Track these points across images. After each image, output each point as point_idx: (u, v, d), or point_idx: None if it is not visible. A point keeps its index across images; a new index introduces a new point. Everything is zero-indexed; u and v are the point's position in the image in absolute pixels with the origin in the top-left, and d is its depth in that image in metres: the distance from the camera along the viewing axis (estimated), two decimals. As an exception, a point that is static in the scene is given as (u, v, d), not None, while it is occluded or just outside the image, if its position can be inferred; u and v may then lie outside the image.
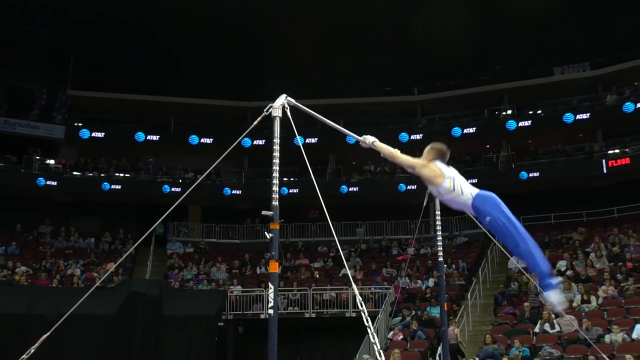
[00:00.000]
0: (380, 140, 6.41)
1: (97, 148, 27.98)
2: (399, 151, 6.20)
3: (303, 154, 6.03)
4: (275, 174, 5.29)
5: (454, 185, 5.98)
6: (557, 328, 16.44)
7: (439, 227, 8.81)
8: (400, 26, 28.41)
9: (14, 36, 27.41)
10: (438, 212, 8.67)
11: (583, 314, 17.08)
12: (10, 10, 27.10)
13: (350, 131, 6.79)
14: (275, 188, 5.20)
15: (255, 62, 28.80)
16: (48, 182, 25.86)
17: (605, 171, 24.67)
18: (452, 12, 27.08)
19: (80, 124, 27.66)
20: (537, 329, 16.72)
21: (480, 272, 21.63)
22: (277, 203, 5.15)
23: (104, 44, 27.89)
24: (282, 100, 5.45)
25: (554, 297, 5.44)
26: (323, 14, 28.15)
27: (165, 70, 28.37)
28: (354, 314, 20.21)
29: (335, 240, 6.54)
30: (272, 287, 5.00)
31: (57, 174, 26.65)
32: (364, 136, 6.26)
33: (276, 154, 5.35)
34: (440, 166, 6.04)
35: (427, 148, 6.22)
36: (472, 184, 22.02)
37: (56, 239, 25.36)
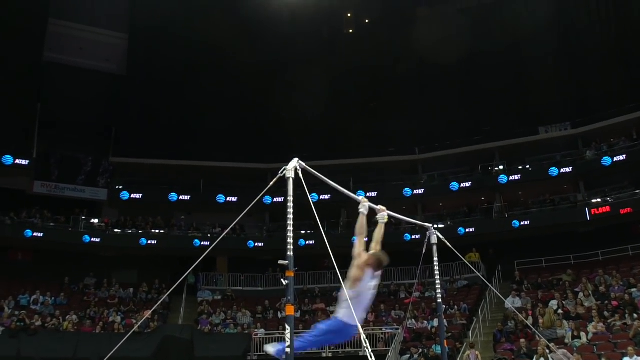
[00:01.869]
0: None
1: (136, 208, 28.16)
2: (362, 247, 6.13)
3: (313, 210, 6.09)
4: (290, 228, 5.36)
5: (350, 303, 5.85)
6: (551, 362, 16.18)
7: (437, 273, 8.78)
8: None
9: (64, 115, 28.06)
10: (436, 259, 8.67)
11: (574, 348, 16.82)
12: (60, 93, 27.92)
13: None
14: (290, 240, 5.27)
15: (275, 128, 29.15)
16: (92, 239, 25.98)
17: (589, 218, 24.53)
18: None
19: (120, 187, 27.91)
20: (533, 363, 16.47)
21: (480, 312, 21.38)
22: (291, 253, 5.21)
23: (141, 117, 28.45)
24: (294, 163, 5.55)
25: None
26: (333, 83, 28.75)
27: (194, 138, 28.72)
28: (366, 353, 19.89)
29: (344, 287, 6.57)
30: (289, 328, 5.02)
31: (100, 231, 26.79)
32: (381, 210, 6.37)
33: (290, 210, 5.42)
34: (365, 276, 5.99)
35: (370, 254, 6.14)
36: (470, 232, 22.14)
37: (99, 289, 25.37)
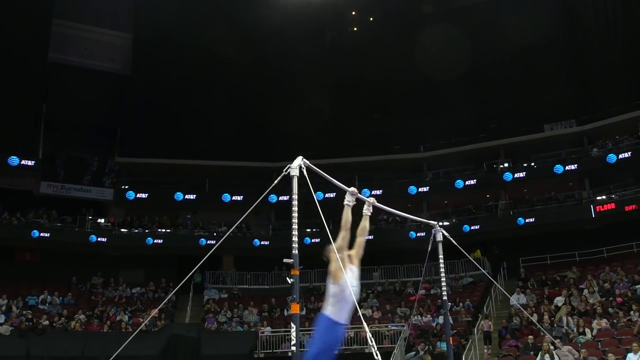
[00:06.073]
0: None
1: (142, 207, 28.23)
2: (363, 237, 6.27)
3: (319, 208, 6.12)
4: (295, 227, 5.37)
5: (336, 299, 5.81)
6: (557, 359, 16.17)
7: (442, 270, 8.80)
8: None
9: (70, 115, 28.17)
10: (441, 257, 8.70)
11: (579, 344, 16.84)
12: (65, 93, 28.00)
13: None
14: (295, 239, 5.29)
15: (279, 127, 29.14)
16: (99, 239, 26.08)
17: (593, 216, 24.53)
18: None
19: (126, 187, 27.98)
20: (538, 360, 16.48)
21: (485, 309, 21.38)
22: (297, 252, 5.23)
23: (146, 117, 28.49)
24: (298, 161, 5.57)
25: None
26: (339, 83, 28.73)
27: (199, 137, 28.75)
28: (372, 350, 19.91)
29: (349, 285, 6.56)
30: (294, 326, 5.05)
31: (106, 231, 26.87)
32: (369, 201, 6.28)
33: (295, 208, 5.44)
34: (346, 272, 5.87)
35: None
36: (475, 230, 22.15)
37: (106, 289, 25.46)
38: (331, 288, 5.75)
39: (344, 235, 6.00)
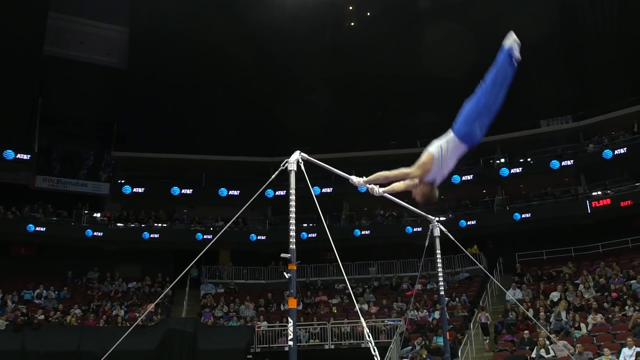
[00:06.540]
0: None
1: (138, 202, 28.20)
2: (385, 171, 5.69)
3: (316, 203, 6.08)
4: (292, 221, 5.34)
5: (440, 149, 5.51)
6: (552, 353, 16.23)
7: (439, 265, 8.79)
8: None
9: (65, 109, 28.09)
10: (438, 252, 8.68)
11: (575, 339, 16.89)
12: (61, 87, 27.89)
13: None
14: (293, 234, 5.25)
15: (277, 122, 29.09)
16: (95, 233, 26.03)
17: (589, 211, 24.59)
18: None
19: (123, 181, 27.92)
20: (534, 355, 16.50)
21: (481, 304, 21.42)
22: (294, 247, 5.20)
23: (143, 111, 28.40)
24: (296, 155, 5.54)
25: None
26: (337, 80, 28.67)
27: (196, 131, 28.70)
28: (369, 345, 19.94)
29: (346, 279, 6.55)
30: (291, 321, 5.03)
31: (103, 225, 26.84)
32: (355, 179, 5.96)
33: (292, 203, 5.40)
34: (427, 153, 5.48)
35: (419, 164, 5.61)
36: (472, 225, 22.06)
37: (102, 283, 25.42)
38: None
39: (398, 171, 5.65)
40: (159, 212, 28.20)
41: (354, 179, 5.94)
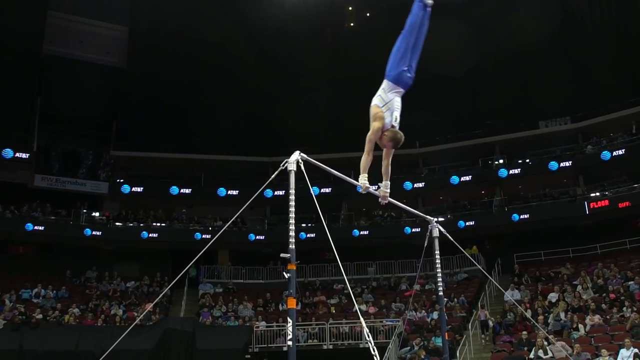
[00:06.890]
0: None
1: (137, 201, 28.19)
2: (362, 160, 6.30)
3: (316, 203, 6.08)
4: (292, 221, 5.34)
5: (380, 97, 6.33)
6: (550, 354, 16.24)
7: (438, 265, 8.78)
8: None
9: (65, 108, 28.09)
10: (437, 252, 8.68)
11: (573, 340, 16.90)
12: (61, 86, 27.85)
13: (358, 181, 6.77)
14: (292, 234, 5.25)
15: (276, 122, 29.08)
16: (94, 233, 26.00)
17: (587, 212, 24.59)
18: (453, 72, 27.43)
19: (121, 181, 27.88)
20: (532, 355, 16.51)
21: (479, 305, 21.42)
22: (293, 247, 5.19)
23: (142, 111, 28.39)
24: (296, 155, 5.54)
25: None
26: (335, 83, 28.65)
27: (195, 131, 28.69)
28: (367, 345, 19.94)
29: (345, 279, 6.59)
30: (290, 321, 5.02)
31: (101, 225, 26.81)
32: (363, 185, 6.34)
33: (292, 203, 5.40)
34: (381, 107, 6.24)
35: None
36: (470, 226, 22.12)
37: (101, 282, 25.39)
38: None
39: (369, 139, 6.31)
40: (158, 212, 28.19)
41: (362, 184, 6.33)
